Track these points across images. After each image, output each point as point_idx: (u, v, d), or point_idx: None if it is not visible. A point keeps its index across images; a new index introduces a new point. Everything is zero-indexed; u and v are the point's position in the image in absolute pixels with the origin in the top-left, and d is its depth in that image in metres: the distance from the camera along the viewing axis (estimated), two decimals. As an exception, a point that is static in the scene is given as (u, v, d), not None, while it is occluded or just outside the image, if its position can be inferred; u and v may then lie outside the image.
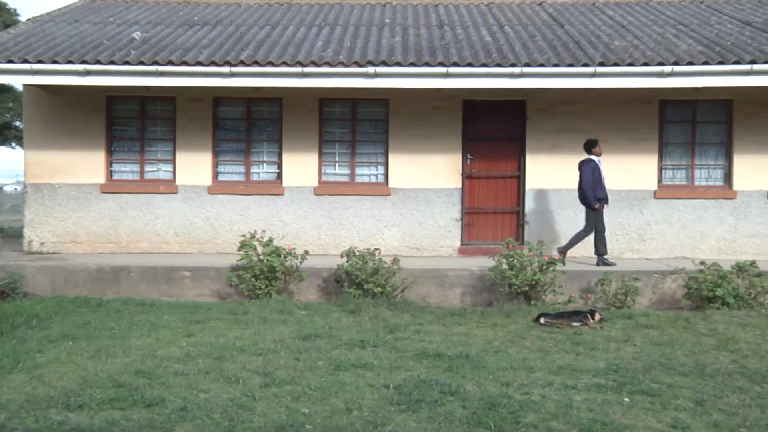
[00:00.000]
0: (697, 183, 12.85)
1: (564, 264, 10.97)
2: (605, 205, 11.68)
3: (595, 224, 11.58)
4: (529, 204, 12.82)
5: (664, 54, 11.68)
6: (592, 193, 11.47)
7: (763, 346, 8.21)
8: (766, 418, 5.75)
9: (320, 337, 8.32)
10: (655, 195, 12.68)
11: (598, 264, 11.42)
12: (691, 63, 11.30)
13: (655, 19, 14.30)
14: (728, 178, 12.73)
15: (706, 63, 11.28)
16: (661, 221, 12.65)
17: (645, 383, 6.66)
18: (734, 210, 12.60)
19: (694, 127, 12.84)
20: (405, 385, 6.49)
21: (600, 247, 11.57)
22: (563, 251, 11.50)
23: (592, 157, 11.69)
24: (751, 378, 6.87)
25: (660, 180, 12.79)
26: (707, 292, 10.09)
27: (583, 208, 11.73)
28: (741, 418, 5.76)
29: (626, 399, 6.22)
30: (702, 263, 10.53)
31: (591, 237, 11.66)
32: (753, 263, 10.36)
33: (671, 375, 6.97)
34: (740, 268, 10.26)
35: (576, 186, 11.80)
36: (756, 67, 11.17)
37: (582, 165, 11.68)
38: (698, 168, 12.85)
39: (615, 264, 11.36)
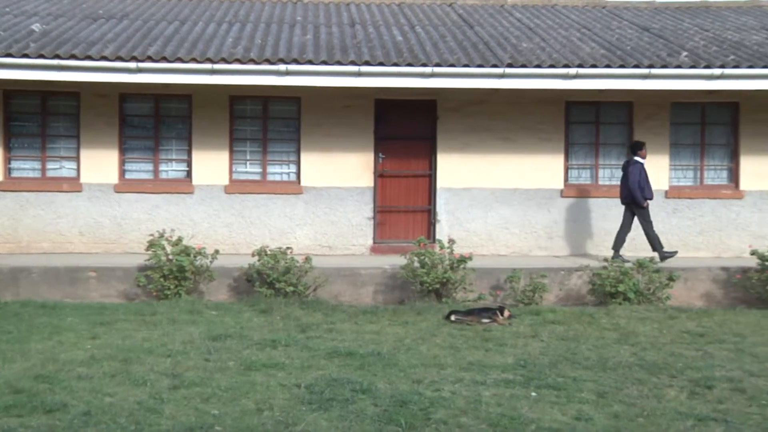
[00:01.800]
0: (601, 182, 13.23)
1: (627, 261, 11.29)
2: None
3: (643, 223, 11.85)
4: (440, 203, 12.98)
5: (570, 56, 12.01)
6: (639, 192, 11.72)
7: (660, 339, 8.54)
8: (662, 408, 5.99)
9: (231, 337, 8.22)
10: (562, 194, 13.01)
11: (662, 259, 11.55)
12: (594, 66, 11.65)
13: (560, 23, 14.69)
14: (630, 177, 13.16)
15: (608, 66, 11.66)
16: (568, 219, 12.99)
17: (551, 377, 6.84)
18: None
19: (598, 128, 13.23)
20: (316, 384, 6.49)
21: (656, 245, 11.79)
22: (661, 252, 11.71)
23: (638, 158, 11.94)
24: (649, 370, 7.14)
25: (566, 179, 13.14)
26: (610, 288, 10.43)
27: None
28: (639, 408, 5.98)
29: (533, 393, 6.37)
30: (605, 260, 10.87)
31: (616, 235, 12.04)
32: (652, 260, 10.78)
33: (576, 369, 7.18)
34: (640, 265, 10.64)
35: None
36: (654, 71, 11.60)
37: (629, 166, 11.92)
38: (602, 168, 13.24)
39: (677, 252, 11.69)
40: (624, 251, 11.87)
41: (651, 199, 11.89)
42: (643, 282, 10.57)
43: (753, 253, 10.98)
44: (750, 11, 16.11)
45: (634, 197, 11.77)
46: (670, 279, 10.63)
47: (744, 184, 13.08)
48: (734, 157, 13.17)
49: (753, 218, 13.06)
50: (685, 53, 12.25)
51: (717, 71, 11.60)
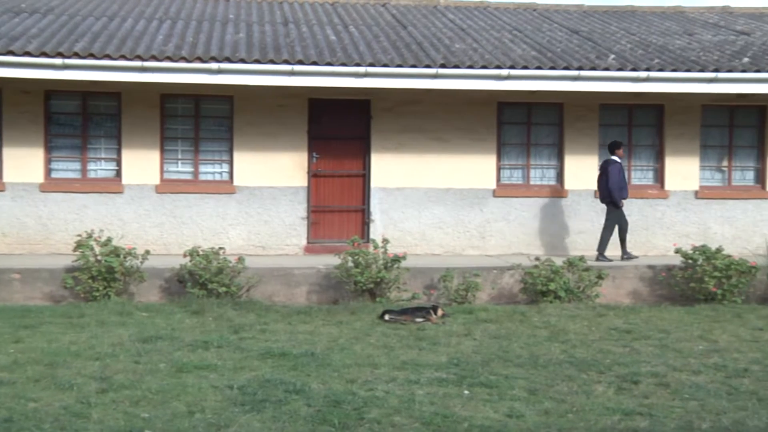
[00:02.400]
0: (532, 182, 13.43)
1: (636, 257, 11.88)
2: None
3: (618, 221, 12.14)
4: (374, 202, 13.00)
5: (501, 58, 12.17)
6: (618, 193, 12.00)
7: (589, 336, 8.71)
8: (591, 403, 6.10)
9: (162, 338, 8.08)
10: (494, 193, 13.17)
11: (597, 259, 11.86)
12: (525, 67, 11.84)
13: (492, 24, 14.88)
14: (560, 177, 13.40)
15: (539, 68, 11.86)
16: (500, 219, 13.16)
17: (484, 375, 6.90)
18: (566, 208, 13.28)
19: (530, 129, 13.43)
20: (249, 385, 6.42)
21: (603, 245, 12.07)
22: (601, 254, 11.99)
23: (615, 158, 12.19)
24: (578, 367, 7.27)
25: (498, 179, 13.29)
26: (541, 286, 10.59)
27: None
28: (569, 404, 6.08)
29: (466, 391, 6.42)
30: (537, 259, 11.04)
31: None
32: (582, 258, 10.97)
33: (508, 367, 7.26)
34: (570, 263, 10.83)
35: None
36: (583, 73, 11.85)
37: (607, 166, 12.17)
38: (533, 168, 13.45)
39: (637, 257, 12.03)
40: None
41: (626, 198, 12.24)
42: (574, 280, 10.76)
43: (677, 251, 11.28)
44: (673, 16, 16.58)
45: (612, 197, 12.07)
46: (599, 277, 10.84)
47: (669, 184, 13.45)
48: (659, 158, 13.53)
49: (677, 217, 13.43)
50: (612, 56, 12.54)
51: (643, 74, 11.91)
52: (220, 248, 10.74)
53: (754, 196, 13.41)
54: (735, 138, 13.70)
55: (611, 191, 12.05)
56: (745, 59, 12.58)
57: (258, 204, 12.75)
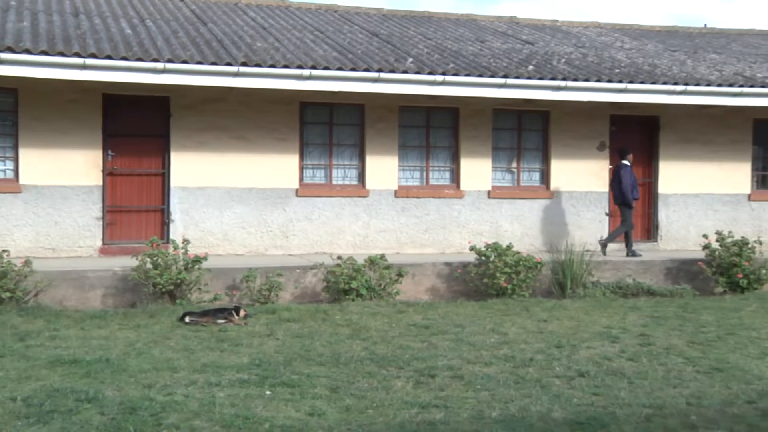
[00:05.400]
0: (335, 182, 13.59)
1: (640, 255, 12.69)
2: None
3: (625, 221, 12.99)
4: (175, 202, 12.63)
5: (303, 58, 12.22)
6: (630, 194, 12.66)
7: (390, 332, 8.94)
8: (390, 398, 6.27)
9: (-67, 352, 7.43)
10: (297, 193, 13.20)
11: (628, 255, 12.93)
12: (327, 68, 11.96)
13: (294, 24, 14.91)
14: (362, 177, 13.65)
15: (340, 69, 12.02)
16: (303, 218, 13.21)
17: (286, 375, 6.90)
18: (367, 207, 13.55)
19: (332, 129, 13.58)
20: (36, 395, 6.05)
21: (629, 241, 13.17)
22: (630, 250, 13.00)
23: (626, 162, 12.92)
24: (379, 363, 7.44)
25: (301, 179, 13.34)
26: (344, 284, 10.74)
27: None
28: (369, 400, 6.21)
29: (268, 392, 6.40)
30: (339, 258, 11.18)
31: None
32: (383, 257, 11.24)
33: (310, 365, 7.31)
34: (372, 262, 11.07)
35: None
36: (383, 75, 12.15)
37: (619, 170, 13.11)
38: (336, 168, 13.62)
39: (641, 255, 12.96)
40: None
41: (637, 199, 13.20)
42: (375, 278, 11.01)
43: (472, 248, 11.83)
44: (466, 24, 17.40)
45: (625, 198, 12.90)
46: (399, 275, 11.16)
47: (464, 184, 14.06)
48: (455, 159, 14.12)
49: (472, 216, 14.09)
50: (411, 59, 12.95)
51: (439, 78, 12.38)
52: (4, 251, 10.07)
53: (540, 196, 14.34)
54: (523, 141, 14.57)
55: (624, 193, 12.93)
56: (531, 67, 13.43)
57: (47, 204, 12.02)
